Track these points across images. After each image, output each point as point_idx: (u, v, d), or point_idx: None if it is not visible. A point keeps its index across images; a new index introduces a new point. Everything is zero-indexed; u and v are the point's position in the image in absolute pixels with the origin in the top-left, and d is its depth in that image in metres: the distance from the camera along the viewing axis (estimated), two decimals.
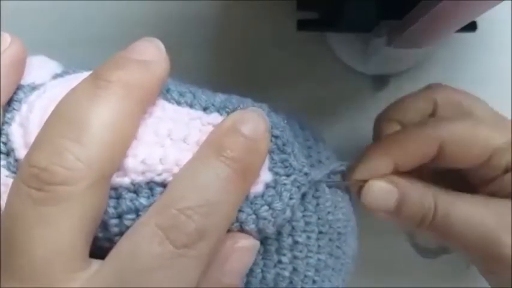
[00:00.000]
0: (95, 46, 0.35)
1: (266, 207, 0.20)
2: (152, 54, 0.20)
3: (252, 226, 0.20)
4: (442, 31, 0.26)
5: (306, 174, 0.22)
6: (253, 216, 0.20)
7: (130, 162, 0.19)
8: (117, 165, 0.19)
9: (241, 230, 0.20)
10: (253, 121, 0.20)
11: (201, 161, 0.19)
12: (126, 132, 0.19)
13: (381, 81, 0.35)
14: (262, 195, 0.20)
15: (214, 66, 0.35)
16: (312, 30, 0.32)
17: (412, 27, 0.24)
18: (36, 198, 0.18)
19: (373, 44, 0.31)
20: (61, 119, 0.19)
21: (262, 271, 0.22)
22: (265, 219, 0.20)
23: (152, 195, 0.20)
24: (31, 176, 0.18)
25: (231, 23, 0.35)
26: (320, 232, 0.23)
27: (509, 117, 0.34)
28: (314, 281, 0.23)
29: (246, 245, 0.20)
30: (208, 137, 0.20)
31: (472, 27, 0.30)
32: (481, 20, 0.28)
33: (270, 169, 0.21)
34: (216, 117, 0.21)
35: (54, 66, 0.23)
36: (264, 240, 0.21)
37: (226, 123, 0.20)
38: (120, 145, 0.19)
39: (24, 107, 0.21)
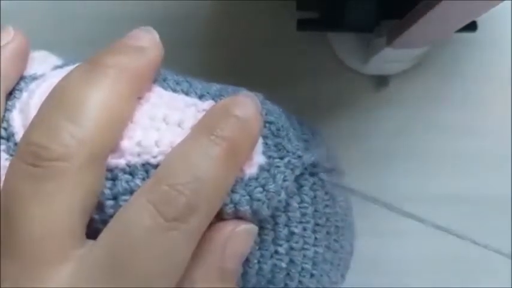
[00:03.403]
0: (95, 46, 0.35)
1: (260, 188, 0.20)
2: (147, 40, 0.21)
3: (247, 207, 0.20)
4: (442, 31, 0.26)
5: (299, 157, 0.22)
6: (247, 197, 0.20)
7: (127, 143, 0.20)
8: (112, 144, 0.20)
9: (236, 211, 0.20)
10: (245, 103, 0.20)
11: (192, 141, 0.20)
12: (120, 113, 0.20)
13: (380, 81, 0.35)
14: (257, 178, 0.21)
15: (214, 66, 0.35)
16: (312, 30, 0.32)
17: (412, 27, 0.24)
18: (33, 174, 0.18)
19: (373, 44, 0.31)
20: (57, 100, 0.19)
21: (259, 262, 0.22)
22: (259, 200, 0.20)
23: (148, 177, 0.20)
24: (28, 153, 0.19)
25: (231, 23, 0.35)
26: (317, 224, 0.23)
27: (509, 117, 0.34)
28: (312, 275, 0.23)
29: (246, 229, 0.20)
30: (201, 119, 0.20)
31: (472, 27, 0.30)
32: (481, 20, 0.28)
33: (264, 153, 0.21)
34: (210, 104, 0.21)
35: (55, 60, 0.24)
36: (260, 231, 0.21)
37: (218, 106, 0.20)
38: (114, 125, 0.20)
39: (24, 95, 0.22)
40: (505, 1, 0.21)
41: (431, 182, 0.35)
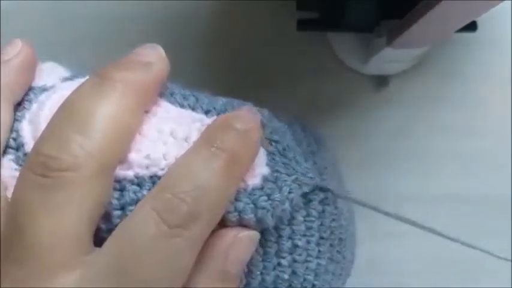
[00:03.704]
0: (95, 46, 0.35)
1: (265, 197, 0.21)
2: (153, 56, 0.22)
3: (251, 215, 0.20)
4: (442, 31, 0.26)
5: (311, 178, 0.22)
6: (252, 206, 0.20)
7: (135, 156, 0.21)
8: (121, 156, 0.20)
9: (240, 219, 0.20)
10: (245, 117, 0.21)
11: (194, 153, 0.20)
12: (128, 126, 0.20)
13: (380, 81, 0.35)
14: (262, 188, 0.21)
15: (214, 66, 0.35)
16: (311, 30, 0.32)
17: (412, 27, 0.24)
18: (42, 184, 0.19)
19: (373, 44, 0.31)
20: (67, 112, 0.20)
21: (262, 273, 0.22)
22: (263, 208, 0.20)
23: None
24: (37, 164, 0.19)
25: (231, 23, 0.35)
26: (321, 238, 0.23)
27: (509, 117, 0.34)
28: (313, 285, 0.23)
29: (248, 235, 0.21)
30: (203, 133, 0.21)
31: (472, 27, 0.30)
32: (481, 20, 0.28)
33: (270, 166, 0.21)
34: None
35: (63, 71, 0.24)
36: (264, 243, 0.22)
37: (219, 120, 0.21)
38: (122, 137, 0.20)
39: (34, 106, 0.22)
40: (505, 1, 0.21)
41: (431, 182, 0.35)
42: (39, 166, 0.19)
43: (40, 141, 0.20)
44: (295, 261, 0.22)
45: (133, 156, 0.20)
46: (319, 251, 0.23)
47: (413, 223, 0.23)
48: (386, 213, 0.23)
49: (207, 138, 0.20)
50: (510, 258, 0.25)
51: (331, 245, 0.24)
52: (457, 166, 0.35)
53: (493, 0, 0.21)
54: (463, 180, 0.35)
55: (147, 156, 0.21)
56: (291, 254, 0.22)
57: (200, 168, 0.20)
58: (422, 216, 0.34)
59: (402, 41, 0.27)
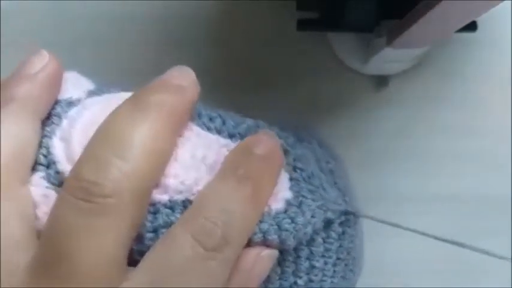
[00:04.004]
0: (95, 46, 0.35)
1: (289, 220, 0.22)
2: (185, 79, 0.22)
3: (274, 236, 0.21)
4: (442, 31, 0.26)
5: (339, 204, 0.23)
6: (275, 227, 0.21)
7: (172, 182, 0.21)
8: (157, 179, 0.21)
9: (264, 240, 0.21)
10: (265, 142, 0.22)
11: (219, 180, 0.22)
12: (164, 150, 0.21)
13: (380, 81, 0.35)
14: (285, 211, 0.22)
15: (214, 66, 0.35)
16: (311, 30, 0.32)
17: (412, 27, 0.24)
18: (84, 209, 0.19)
19: (373, 44, 0.31)
20: (106, 137, 0.21)
21: None
22: (287, 230, 0.21)
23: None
24: (80, 189, 0.20)
25: (231, 23, 0.35)
26: (338, 258, 0.24)
27: (509, 117, 0.34)
28: None
29: (269, 254, 0.22)
30: (226, 159, 0.22)
31: (472, 27, 0.30)
32: (481, 20, 0.28)
33: (293, 190, 0.22)
34: None
35: (86, 83, 0.24)
36: (282, 262, 0.22)
37: (241, 146, 0.22)
38: (159, 161, 0.21)
39: (64, 122, 0.22)
40: (505, 1, 0.21)
41: (431, 182, 0.35)
42: (81, 191, 0.19)
43: (80, 165, 0.20)
44: (311, 280, 0.23)
45: (169, 181, 0.21)
46: (334, 271, 0.24)
47: (431, 236, 0.24)
48: (407, 229, 0.24)
49: (231, 165, 0.22)
50: (510, 258, 0.25)
51: (345, 265, 0.24)
52: (457, 166, 0.35)
53: (493, 0, 0.21)
54: (463, 180, 0.35)
55: (182, 182, 0.21)
56: (307, 274, 0.23)
57: (228, 197, 0.21)
58: (422, 216, 0.34)
59: (402, 41, 0.27)
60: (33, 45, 0.24)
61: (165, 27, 0.34)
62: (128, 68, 0.34)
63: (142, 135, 0.20)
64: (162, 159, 0.21)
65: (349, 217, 0.24)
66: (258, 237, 0.21)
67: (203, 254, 0.20)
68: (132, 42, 0.34)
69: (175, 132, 0.22)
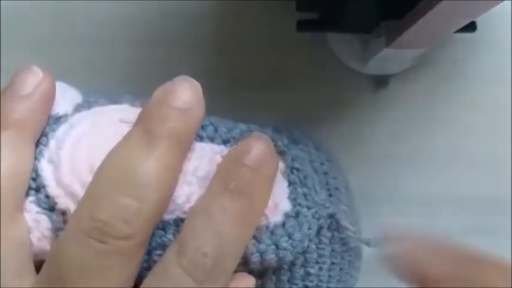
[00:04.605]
0: (95, 46, 0.35)
1: (286, 237, 0.21)
2: (191, 98, 0.21)
3: (272, 256, 0.21)
4: (442, 31, 0.26)
5: (326, 207, 0.23)
6: (273, 247, 0.21)
7: None
8: (166, 208, 0.21)
9: (262, 260, 0.21)
10: (255, 149, 0.21)
11: (210, 196, 0.21)
12: (174, 178, 0.21)
13: (380, 81, 0.35)
14: (283, 225, 0.21)
15: (214, 67, 0.35)
16: (311, 30, 0.32)
17: (412, 27, 0.24)
18: (99, 249, 0.19)
19: (373, 44, 0.31)
20: (116, 173, 0.20)
21: None
22: (285, 249, 0.21)
23: (178, 231, 0.21)
24: (94, 229, 0.19)
25: (231, 23, 0.35)
26: (332, 263, 0.24)
27: (510, 117, 0.34)
28: None
29: (247, 286, 0.22)
30: (217, 170, 0.21)
31: (472, 27, 0.30)
32: (481, 20, 0.28)
33: (291, 198, 0.22)
34: None
35: (74, 95, 0.23)
36: (277, 271, 0.22)
37: (231, 154, 0.21)
38: (170, 192, 0.21)
39: (52, 143, 0.21)
40: (505, 1, 0.21)
41: (433, 182, 0.35)
42: (95, 231, 0.19)
43: (92, 205, 0.20)
44: (306, 287, 0.23)
45: None
46: (329, 275, 0.24)
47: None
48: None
49: (221, 179, 0.21)
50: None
51: (340, 269, 0.24)
52: (458, 166, 0.35)
53: (493, 0, 0.21)
54: (463, 180, 0.35)
55: (173, 201, 0.21)
56: (303, 281, 0.23)
57: (219, 218, 0.20)
58: (422, 216, 0.34)
59: (402, 42, 0.27)
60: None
61: (165, 27, 0.34)
62: (128, 68, 0.34)
63: (154, 170, 0.20)
64: (172, 189, 0.21)
65: (333, 220, 0.23)
66: (256, 256, 0.21)
67: (195, 286, 0.20)
68: (131, 43, 0.34)
69: (184, 156, 0.21)
